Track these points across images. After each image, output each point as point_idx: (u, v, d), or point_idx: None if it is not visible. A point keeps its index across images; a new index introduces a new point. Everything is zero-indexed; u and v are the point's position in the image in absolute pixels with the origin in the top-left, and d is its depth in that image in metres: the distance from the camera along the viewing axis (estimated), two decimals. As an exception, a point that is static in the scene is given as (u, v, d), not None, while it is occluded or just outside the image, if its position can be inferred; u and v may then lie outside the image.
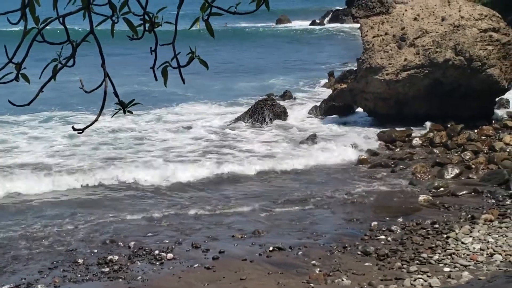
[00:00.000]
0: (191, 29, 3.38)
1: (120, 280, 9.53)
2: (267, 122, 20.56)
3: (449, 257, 9.86)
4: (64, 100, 23.85)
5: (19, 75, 3.01)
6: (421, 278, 9.03)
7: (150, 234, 11.49)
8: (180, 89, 24.60)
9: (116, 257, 10.33)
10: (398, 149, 17.38)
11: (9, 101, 3.24)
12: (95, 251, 10.70)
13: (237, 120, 20.81)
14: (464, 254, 9.94)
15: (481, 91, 18.62)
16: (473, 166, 15.30)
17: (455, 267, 9.47)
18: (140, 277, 9.58)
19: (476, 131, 17.65)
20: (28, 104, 3.17)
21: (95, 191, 14.12)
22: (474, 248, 10.10)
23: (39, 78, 3.16)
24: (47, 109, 22.65)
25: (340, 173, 15.44)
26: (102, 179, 14.66)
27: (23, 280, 9.58)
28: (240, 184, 14.76)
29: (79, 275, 9.74)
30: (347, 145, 17.30)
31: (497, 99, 19.95)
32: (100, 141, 18.37)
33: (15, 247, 10.88)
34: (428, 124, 18.56)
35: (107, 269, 9.91)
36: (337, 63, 35.12)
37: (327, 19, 66.59)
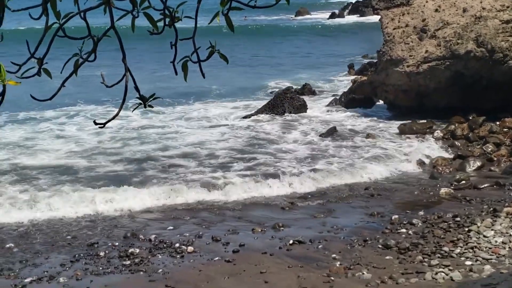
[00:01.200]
0: (211, 24, 3.37)
1: (141, 273, 9.59)
2: (286, 115, 20.52)
3: (470, 250, 9.79)
4: (90, 95, 23.87)
5: (41, 70, 3.03)
6: (442, 272, 8.97)
7: (170, 227, 11.54)
8: (206, 84, 24.62)
9: (137, 250, 10.39)
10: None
11: (32, 96, 3.26)
12: (116, 244, 10.77)
13: (257, 113, 20.80)
14: (486, 247, 9.85)
15: (503, 83, 18.42)
16: (495, 159, 15.18)
17: (476, 260, 9.40)
18: (160, 270, 9.63)
19: (498, 123, 17.47)
20: (50, 98, 3.19)
21: (118, 185, 14.13)
22: (496, 242, 10.02)
23: (61, 73, 3.18)
24: (73, 103, 22.74)
25: (359, 165, 15.33)
26: (128, 183, 13.95)
27: (45, 272, 9.67)
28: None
29: (100, 268, 9.81)
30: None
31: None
32: (127, 138, 18.04)
33: (37, 241, 10.98)
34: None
35: (128, 262, 9.98)
36: (357, 55, 34.94)
37: (347, 11, 66.24)
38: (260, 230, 11.30)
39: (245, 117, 20.66)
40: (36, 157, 16.33)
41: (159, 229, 11.45)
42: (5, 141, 17.98)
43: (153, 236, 11.01)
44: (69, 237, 11.14)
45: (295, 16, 66.87)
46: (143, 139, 18.03)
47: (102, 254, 10.31)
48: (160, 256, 10.19)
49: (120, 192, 13.29)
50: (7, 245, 10.77)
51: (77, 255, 10.30)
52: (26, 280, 9.41)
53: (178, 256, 10.16)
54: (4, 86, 2.50)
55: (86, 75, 23.27)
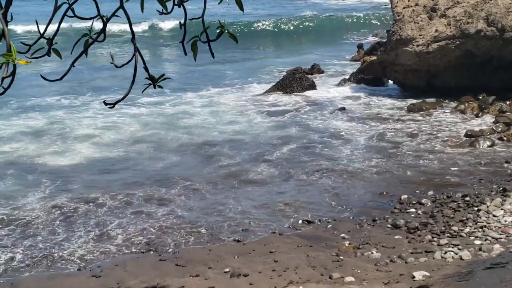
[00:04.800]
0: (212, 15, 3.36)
1: (152, 252, 9.65)
2: (294, 94, 20.48)
3: (480, 229, 9.80)
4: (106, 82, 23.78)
5: (51, 50, 3.03)
6: (451, 251, 8.99)
7: (181, 207, 11.58)
8: (219, 67, 24.46)
9: (148, 229, 10.46)
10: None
11: (42, 76, 3.27)
12: (127, 223, 10.84)
13: (266, 93, 20.77)
14: (495, 226, 9.86)
15: (513, 62, 18.31)
16: (505, 138, 15.12)
17: (486, 239, 9.41)
18: (171, 250, 9.69)
19: (508, 102, 17.39)
20: (60, 79, 3.19)
21: (131, 167, 14.19)
22: (505, 221, 10.02)
23: (71, 53, 3.18)
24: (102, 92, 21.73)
25: (369, 146, 15.29)
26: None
27: (55, 252, 9.75)
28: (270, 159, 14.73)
29: (111, 247, 9.88)
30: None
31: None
32: (163, 124, 17.53)
33: (47, 220, 11.05)
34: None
35: (138, 241, 10.05)
36: (366, 35, 34.72)
37: (355, -10, 65.64)
38: (269, 209, 11.33)
39: (257, 98, 20.62)
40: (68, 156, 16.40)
41: (170, 208, 11.50)
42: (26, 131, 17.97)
43: (164, 215, 11.09)
44: (77, 215, 11.20)
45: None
46: (175, 127, 17.32)
47: (113, 233, 10.39)
48: (170, 236, 10.26)
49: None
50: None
51: (87, 234, 10.37)
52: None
53: (188, 236, 10.22)
54: (14, 65, 2.51)
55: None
